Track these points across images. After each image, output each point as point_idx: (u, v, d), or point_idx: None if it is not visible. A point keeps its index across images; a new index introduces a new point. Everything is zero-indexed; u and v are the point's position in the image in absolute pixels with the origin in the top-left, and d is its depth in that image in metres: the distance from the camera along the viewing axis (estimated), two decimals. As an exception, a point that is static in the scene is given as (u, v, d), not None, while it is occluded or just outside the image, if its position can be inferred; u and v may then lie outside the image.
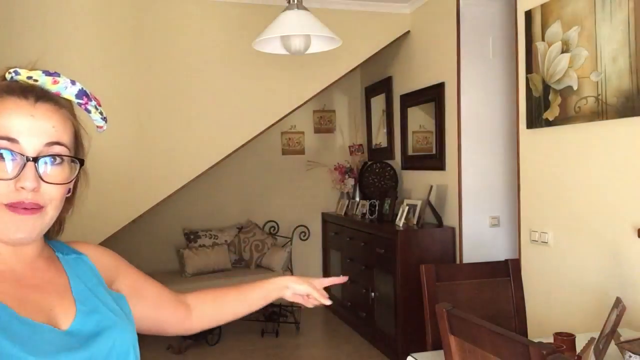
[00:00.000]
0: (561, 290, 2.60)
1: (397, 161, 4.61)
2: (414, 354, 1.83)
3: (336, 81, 4.14)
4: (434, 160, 3.97)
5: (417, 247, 3.67)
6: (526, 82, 2.75)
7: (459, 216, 3.66)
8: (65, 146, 0.84)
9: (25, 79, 0.84)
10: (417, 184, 4.27)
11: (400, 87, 4.49)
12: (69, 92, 0.90)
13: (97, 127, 1.00)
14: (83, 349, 0.82)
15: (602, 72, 2.29)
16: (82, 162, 0.89)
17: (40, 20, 3.41)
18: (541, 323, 2.67)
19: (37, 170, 0.80)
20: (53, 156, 0.82)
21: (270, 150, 5.27)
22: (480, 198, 3.66)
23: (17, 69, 0.84)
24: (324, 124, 5.52)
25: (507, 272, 2.15)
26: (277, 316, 4.64)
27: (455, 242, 3.71)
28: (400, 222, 3.91)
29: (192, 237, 4.88)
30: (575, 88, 2.44)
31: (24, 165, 0.79)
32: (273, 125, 4.01)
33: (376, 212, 4.33)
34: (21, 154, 0.79)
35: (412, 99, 4.26)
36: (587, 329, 2.30)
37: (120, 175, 3.58)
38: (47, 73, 0.86)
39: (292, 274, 4.76)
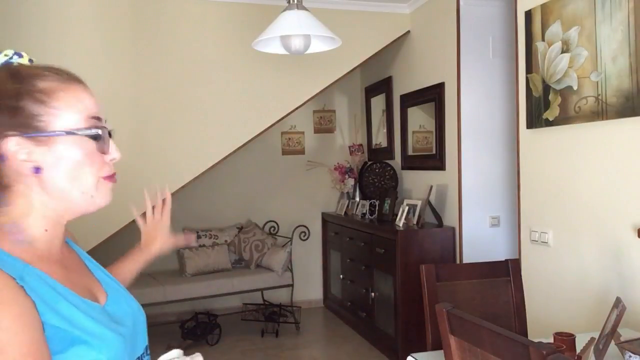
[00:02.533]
0: (561, 290, 2.60)
1: (397, 161, 4.61)
2: (414, 354, 1.83)
3: (336, 81, 4.14)
4: (434, 160, 3.97)
5: (417, 247, 3.67)
6: (526, 82, 2.75)
7: (459, 216, 3.66)
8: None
9: (27, 62, 0.93)
10: (417, 184, 4.27)
11: (400, 87, 4.49)
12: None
13: None
14: (124, 325, 0.90)
15: (602, 72, 2.29)
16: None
17: (39, 20, 3.41)
18: (541, 323, 2.67)
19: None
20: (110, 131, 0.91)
21: (270, 150, 5.27)
22: (480, 198, 3.66)
23: (58, 67, 0.89)
24: (324, 124, 5.52)
25: (507, 272, 2.15)
26: (277, 316, 4.64)
27: (455, 242, 3.71)
28: (400, 222, 3.91)
29: (192, 237, 4.88)
30: (575, 88, 2.44)
31: (108, 139, 0.89)
32: (273, 125, 4.01)
33: (376, 212, 4.33)
34: (106, 129, 0.89)
35: (412, 99, 4.26)
36: (587, 329, 2.30)
37: (119, 175, 3.57)
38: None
39: (292, 273, 4.76)
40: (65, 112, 0.84)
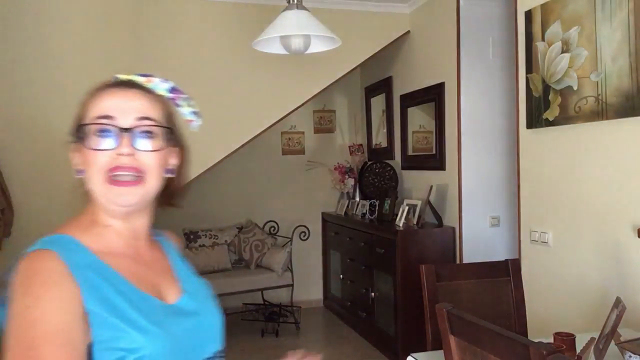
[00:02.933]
0: (561, 290, 2.60)
1: (397, 161, 4.61)
2: (414, 354, 1.83)
3: (336, 81, 4.14)
4: (434, 160, 3.97)
5: (417, 247, 3.67)
6: (526, 82, 2.75)
7: (459, 216, 3.66)
8: (155, 121, 0.96)
9: (123, 80, 1.02)
10: (417, 184, 4.27)
11: (400, 87, 4.49)
12: (162, 88, 1.06)
13: (188, 121, 1.11)
14: (188, 325, 0.94)
15: (602, 72, 2.29)
16: (176, 142, 1.03)
17: (38, 20, 3.41)
18: (541, 323, 2.67)
19: (131, 140, 0.92)
20: (145, 130, 0.94)
21: (270, 150, 5.27)
22: (480, 198, 3.66)
23: (116, 75, 1.01)
24: (324, 124, 5.52)
25: (507, 272, 2.15)
26: (277, 316, 4.64)
27: (455, 242, 3.71)
28: (400, 222, 3.91)
29: (192, 237, 4.88)
30: (575, 88, 2.44)
31: (120, 136, 0.92)
32: (273, 125, 4.01)
33: (376, 212, 4.33)
34: (117, 127, 0.92)
35: (412, 99, 4.26)
36: (587, 329, 2.30)
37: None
38: (142, 75, 1.04)
39: (292, 273, 4.76)
40: (82, 119, 0.96)
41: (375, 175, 4.61)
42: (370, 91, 5.18)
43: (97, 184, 0.93)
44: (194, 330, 0.95)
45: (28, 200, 3.37)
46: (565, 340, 1.58)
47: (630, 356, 1.49)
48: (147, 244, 1.02)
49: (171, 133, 1.00)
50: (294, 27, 2.54)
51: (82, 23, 3.51)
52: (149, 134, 0.95)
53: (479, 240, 3.66)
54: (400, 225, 3.87)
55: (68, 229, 0.95)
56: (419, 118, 4.21)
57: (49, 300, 0.80)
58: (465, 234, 3.65)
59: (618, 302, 1.68)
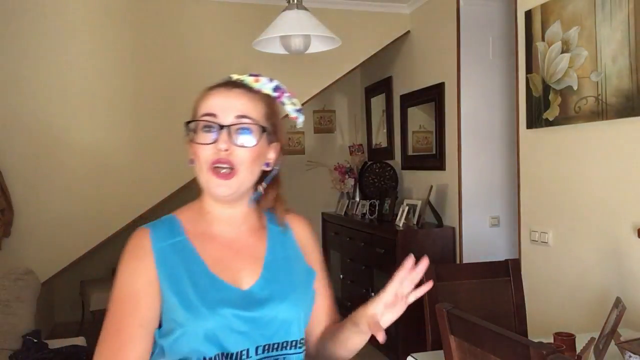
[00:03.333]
0: (561, 290, 2.60)
1: (397, 161, 4.61)
2: (414, 354, 1.83)
3: (336, 81, 4.14)
4: (434, 160, 3.97)
5: (417, 247, 3.67)
6: (526, 82, 2.75)
7: (459, 216, 3.66)
8: (253, 119, 1.05)
9: (235, 80, 1.12)
10: (417, 184, 4.27)
11: (400, 87, 4.49)
12: (267, 87, 1.12)
13: (292, 118, 1.17)
14: (250, 310, 1.00)
15: (602, 72, 2.29)
16: (274, 138, 1.11)
17: (39, 21, 3.41)
18: (541, 323, 2.66)
19: (229, 136, 1.02)
20: (242, 126, 1.03)
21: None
22: (480, 198, 3.66)
23: (231, 75, 1.13)
24: (324, 124, 5.52)
25: (507, 272, 2.15)
26: (277, 316, 4.63)
27: (455, 242, 3.71)
28: (400, 222, 3.91)
29: (192, 237, 4.88)
30: (575, 88, 2.44)
31: (220, 132, 1.02)
32: (273, 125, 4.00)
33: (376, 212, 4.33)
34: (218, 124, 1.02)
35: (412, 99, 4.25)
36: (587, 329, 2.30)
37: (120, 175, 3.58)
38: (251, 74, 1.13)
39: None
40: (194, 115, 1.06)
41: (375, 175, 4.60)
42: (370, 91, 5.17)
43: (201, 174, 1.05)
44: (258, 317, 1.00)
45: (28, 200, 3.37)
46: (565, 340, 1.58)
47: (630, 356, 1.49)
48: (245, 230, 1.11)
49: (269, 130, 1.07)
50: (294, 27, 2.54)
51: (83, 23, 3.51)
52: (246, 131, 1.03)
53: (479, 240, 3.66)
54: (400, 225, 3.87)
55: (180, 211, 1.12)
56: (419, 118, 4.20)
57: (128, 270, 1.01)
58: (465, 234, 3.65)
59: (618, 302, 1.68)
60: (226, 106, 1.04)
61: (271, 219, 1.17)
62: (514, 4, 2.87)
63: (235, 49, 3.76)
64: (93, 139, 3.54)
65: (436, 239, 3.71)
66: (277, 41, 2.75)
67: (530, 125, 2.73)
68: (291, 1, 2.59)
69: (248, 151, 1.03)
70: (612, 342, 1.59)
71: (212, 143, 1.02)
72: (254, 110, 1.06)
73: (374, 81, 5.04)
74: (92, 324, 4.48)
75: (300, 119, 1.17)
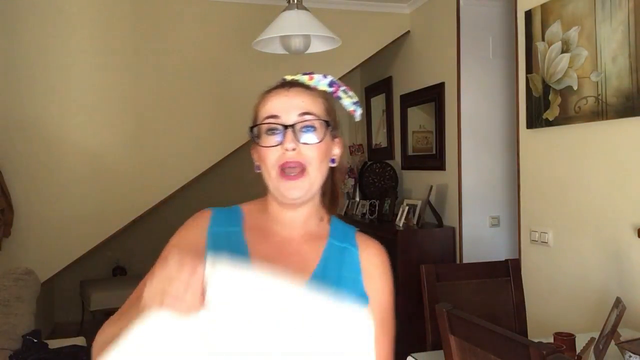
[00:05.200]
0: (561, 290, 2.60)
1: (397, 161, 4.61)
2: (414, 354, 1.83)
3: (336, 81, 4.14)
4: (434, 160, 3.97)
5: (417, 247, 3.67)
6: (526, 82, 2.75)
7: (459, 216, 3.66)
8: (316, 115, 1.04)
9: (289, 80, 1.11)
10: (417, 184, 4.27)
11: (400, 87, 4.49)
12: (323, 83, 1.11)
13: (350, 112, 1.15)
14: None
15: (602, 72, 2.29)
16: (336, 134, 1.09)
17: (39, 23, 3.41)
18: (541, 323, 2.66)
19: (294, 135, 1.00)
20: (306, 124, 1.02)
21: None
22: (480, 198, 3.66)
23: (284, 77, 1.12)
24: (324, 124, 5.51)
25: (507, 272, 2.15)
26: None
27: (455, 242, 3.71)
28: (400, 222, 3.91)
29: (192, 237, 4.88)
30: (575, 88, 2.44)
31: (285, 132, 1.00)
32: (273, 125, 4.00)
33: (376, 212, 4.33)
34: (282, 125, 1.01)
35: (412, 99, 4.25)
36: (587, 329, 2.30)
37: (120, 175, 3.58)
38: (304, 73, 1.13)
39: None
40: (254, 120, 1.06)
41: (375, 175, 4.60)
42: (370, 91, 5.17)
43: (270, 179, 1.03)
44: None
45: (28, 200, 3.37)
46: (565, 340, 1.58)
47: (630, 356, 1.49)
48: (301, 235, 1.08)
49: (331, 126, 1.06)
50: (294, 27, 2.54)
51: (83, 24, 3.51)
52: (310, 128, 1.02)
53: (479, 240, 3.66)
54: (400, 225, 3.87)
55: (246, 205, 1.13)
56: (419, 118, 4.20)
57: (180, 237, 1.06)
58: (465, 234, 3.65)
59: (618, 302, 1.68)
60: (287, 106, 1.03)
61: (334, 233, 1.10)
62: (514, 4, 2.87)
63: (235, 49, 3.76)
64: (93, 139, 3.54)
65: (436, 239, 3.71)
66: (277, 41, 2.75)
67: (530, 125, 2.73)
68: (291, 1, 2.59)
69: (315, 148, 1.02)
70: (612, 342, 1.60)
71: (277, 145, 1.00)
72: (315, 105, 1.05)
73: (374, 81, 5.04)
74: (92, 324, 4.49)
75: (358, 112, 1.15)
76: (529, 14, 2.71)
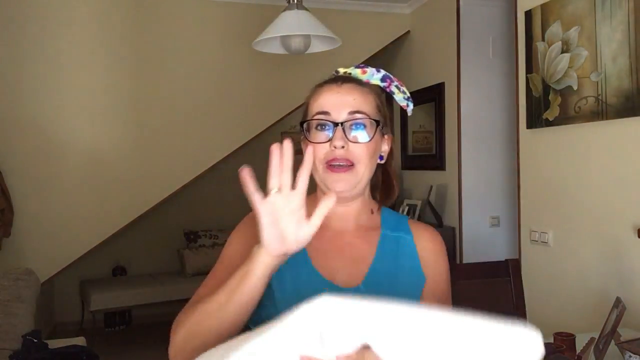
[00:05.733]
0: (561, 290, 2.60)
1: (397, 161, 4.61)
2: (414, 354, 1.82)
3: (336, 81, 4.13)
4: (434, 160, 3.97)
5: (417, 247, 3.67)
6: (526, 82, 2.75)
7: (459, 216, 3.66)
8: (366, 114, 1.03)
9: (342, 74, 1.10)
10: (417, 184, 4.27)
11: (400, 87, 4.48)
12: (375, 77, 1.11)
13: (402, 107, 1.15)
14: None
15: (602, 72, 2.29)
16: (386, 130, 1.09)
17: (40, 23, 3.41)
18: (541, 323, 2.65)
19: (344, 133, 1.00)
20: (356, 122, 1.01)
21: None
22: (480, 198, 3.66)
23: (337, 69, 1.12)
24: (324, 124, 5.51)
25: (507, 272, 2.15)
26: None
27: (455, 242, 3.71)
28: (400, 222, 3.90)
29: (192, 237, 4.88)
30: (575, 88, 2.44)
31: (334, 129, 1.00)
32: (273, 125, 4.00)
33: (376, 212, 4.33)
34: (332, 122, 1.01)
35: (412, 99, 4.23)
36: (587, 329, 2.30)
37: (120, 175, 3.58)
38: (357, 66, 1.11)
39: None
40: (306, 115, 1.07)
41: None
42: (370, 91, 5.17)
43: (317, 173, 1.02)
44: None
45: (28, 200, 3.37)
46: (565, 340, 1.58)
47: (630, 356, 1.49)
48: (354, 229, 1.07)
49: (382, 123, 1.05)
50: (294, 27, 2.54)
51: (83, 24, 3.51)
52: (360, 126, 1.02)
53: (479, 240, 3.66)
54: (400, 225, 3.87)
55: None
56: (419, 118, 4.20)
57: (240, 234, 1.07)
58: (465, 234, 3.65)
59: (618, 302, 1.67)
60: (338, 103, 1.03)
61: (387, 223, 1.10)
62: (514, 4, 2.87)
63: (235, 49, 3.76)
64: (93, 139, 3.54)
65: (436, 239, 3.70)
66: (277, 41, 2.75)
67: (530, 125, 2.73)
68: (291, 1, 2.59)
69: (364, 147, 1.01)
70: (612, 342, 1.59)
71: (327, 142, 1.01)
72: (366, 104, 1.04)
73: (374, 81, 5.04)
74: (92, 323, 4.49)
75: (410, 107, 1.15)
76: (529, 14, 2.71)
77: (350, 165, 1.00)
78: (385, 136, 1.09)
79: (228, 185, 5.18)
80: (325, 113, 1.02)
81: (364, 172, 1.02)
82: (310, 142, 1.02)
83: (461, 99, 3.62)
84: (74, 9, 3.49)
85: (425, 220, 3.90)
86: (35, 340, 2.49)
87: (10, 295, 2.58)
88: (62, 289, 4.72)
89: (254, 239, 0.92)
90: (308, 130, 1.04)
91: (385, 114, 1.09)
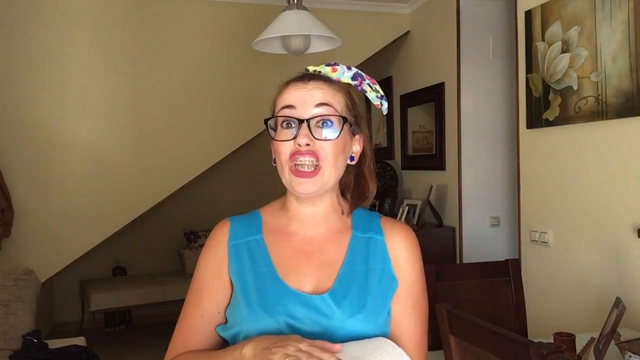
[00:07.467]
0: (561, 290, 2.60)
1: (397, 161, 4.61)
2: (414, 354, 1.82)
3: (336, 81, 4.13)
4: (434, 160, 3.97)
5: (417, 247, 3.66)
6: (526, 82, 2.75)
7: (459, 216, 3.66)
8: (333, 107, 0.99)
9: (312, 72, 1.06)
10: (417, 184, 4.27)
11: (400, 87, 4.49)
12: (346, 76, 1.07)
13: (376, 106, 1.12)
14: (312, 320, 0.94)
15: (602, 72, 2.29)
16: (357, 130, 1.05)
17: (39, 23, 3.41)
18: (541, 323, 2.66)
19: (309, 130, 0.96)
20: (323, 119, 0.98)
21: (270, 150, 5.25)
22: (480, 198, 3.66)
23: (307, 67, 1.08)
24: (324, 124, 5.50)
25: (507, 272, 2.15)
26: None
27: (455, 242, 3.71)
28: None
29: (192, 237, 4.88)
30: (575, 88, 2.44)
31: (300, 126, 0.97)
32: (273, 125, 4.00)
33: (376, 212, 4.32)
34: (297, 119, 0.97)
35: (412, 99, 4.25)
36: (587, 329, 2.30)
37: (120, 175, 3.58)
38: (328, 64, 1.07)
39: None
40: (271, 112, 1.03)
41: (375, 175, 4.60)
42: (370, 91, 5.17)
43: (283, 173, 1.00)
44: (320, 331, 0.92)
45: (28, 200, 3.37)
46: (565, 340, 1.58)
47: (630, 356, 1.49)
48: (324, 232, 1.04)
49: (351, 121, 1.02)
50: (294, 27, 2.54)
51: (82, 24, 3.51)
52: (327, 123, 0.98)
53: (479, 240, 3.66)
54: (400, 225, 3.87)
55: (265, 207, 1.10)
56: (419, 118, 4.20)
57: (202, 261, 1.06)
58: (465, 234, 3.65)
59: (618, 302, 1.68)
60: (304, 99, 0.99)
61: (357, 225, 1.05)
62: (514, 4, 2.87)
63: (235, 48, 3.76)
64: (93, 139, 3.54)
65: (436, 239, 3.70)
66: (277, 41, 2.75)
67: (530, 125, 2.73)
68: (291, 1, 2.60)
69: (331, 145, 0.97)
70: (612, 342, 1.60)
71: (292, 139, 0.97)
72: (334, 100, 1.00)
73: (374, 81, 5.03)
74: (92, 323, 4.49)
75: (385, 106, 1.11)
76: (529, 14, 2.71)
77: (315, 167, 0.96)
78: (357, 136, 1.05)
79: (228, 185, 5.19)
80: (291, 107, 0.99)
81: (330, 172, 0.98)
82: (275, 140, 0.99)
83: (461, 99, 3.62)
84: (74, 9, 3.49)
85: (426, 220, 3.90)
86: (35, 340, 2.49)
87: (10, 295, 2.58)
88: (62, 289, 4.73)
89: (219, 261, 1.02)
90: (274, 128, 1.00)
91: (357, 114, 1.05)
